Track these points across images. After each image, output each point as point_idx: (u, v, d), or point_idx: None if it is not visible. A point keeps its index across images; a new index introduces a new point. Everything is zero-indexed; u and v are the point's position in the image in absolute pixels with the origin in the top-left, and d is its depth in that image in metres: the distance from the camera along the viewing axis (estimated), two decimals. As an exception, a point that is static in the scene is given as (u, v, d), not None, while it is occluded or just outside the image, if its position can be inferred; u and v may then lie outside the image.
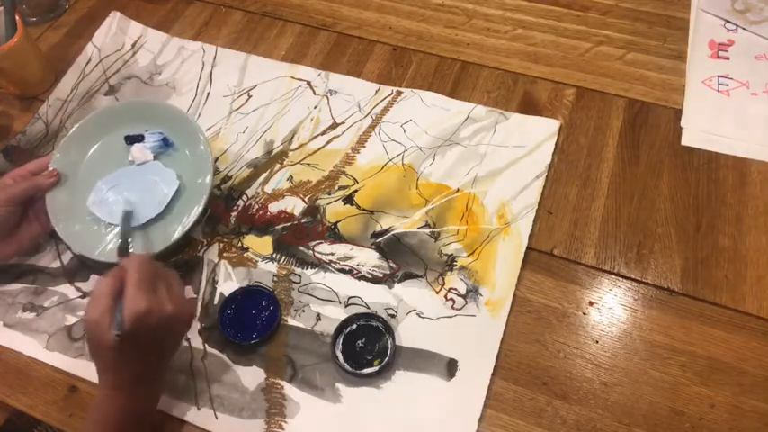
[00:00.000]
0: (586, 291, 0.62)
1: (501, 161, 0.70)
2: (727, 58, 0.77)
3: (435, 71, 0.79)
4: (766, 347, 0.57)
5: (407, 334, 0.60)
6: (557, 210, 0.67)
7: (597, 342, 0.59)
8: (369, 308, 0.62)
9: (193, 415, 0.57)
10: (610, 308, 0.61)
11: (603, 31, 0.82)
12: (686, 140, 0.71)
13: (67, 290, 0.65)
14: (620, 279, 0.62)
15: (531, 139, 0.72)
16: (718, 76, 0.76)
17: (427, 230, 0.66)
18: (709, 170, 0.69)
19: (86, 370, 0.60)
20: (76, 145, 0.70)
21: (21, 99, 0.81)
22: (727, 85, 0.75)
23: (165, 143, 0.70)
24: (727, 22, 0.81)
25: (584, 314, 0.61)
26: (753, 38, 0.79)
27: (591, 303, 0.61)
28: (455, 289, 0.62)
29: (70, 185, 0.67)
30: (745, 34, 0.79)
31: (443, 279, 0.63)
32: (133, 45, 0.85)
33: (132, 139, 0.70)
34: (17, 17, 0.75)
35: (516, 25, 0.83)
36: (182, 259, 0.66)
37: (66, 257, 0.67)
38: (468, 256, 0.64)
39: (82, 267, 0.66)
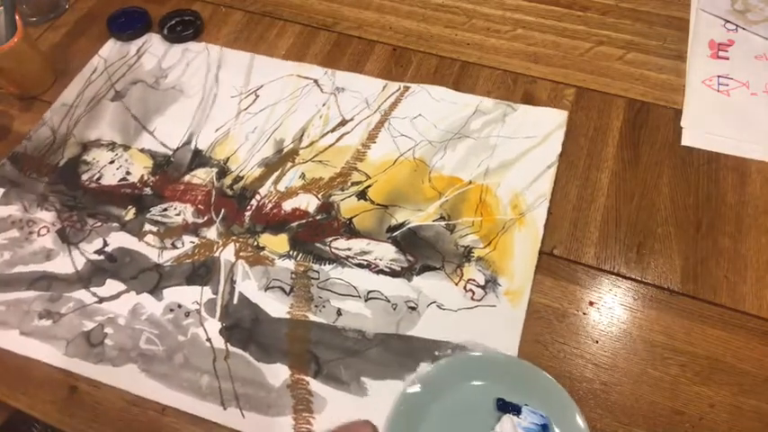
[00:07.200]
0: (586, 291, 0.62)
1: (512, 152, 0.71)
2: (727, 58, 0.77)
3: (435, 71, 0.79)
4: (766, 347, 0.57)
5: (429, 326, 0.60)
6: (557, 210, 0.67)
7: (597, 342, 0.59)
8: (389, 301, 0.62)
9: (220, 415, 0.57)
10: (610, 308, 0.61)
11: (603, 31, 0.82)
12: (686, 140, 0.71)
13: (84, 295, 0.64)
14: (620, 279, 0.62)
15: (541, 130, 0.72)
16: (718, 76, 0.76)
17: (442, 223, 0.67)
18: (709, 170, 0.69)
19: (108, 375, 0.59)
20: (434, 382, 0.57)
21: (21, 99, 0.81)
22: (727, 85, 0.75)
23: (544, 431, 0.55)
24: (727, 22, 0.81)
25: (585, 314, 0.61)
26: (753, 38, 0.79)
27: (591, 303, 0.61)
28: (474, 280, 0.63)
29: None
30: (745, 34, 0.79)
31: (461, 270, 0.63)
32: (138, 50, 0.85)
33: (506, 407, 0.55)
34: (17, 17, 0.75)
35: (516, 25, 0.83)
36: (199, 261, 0.66)
37: (80, 263, 0.67)
38: (484, 247, 0.65)
39: (97, 272, 0.66)
